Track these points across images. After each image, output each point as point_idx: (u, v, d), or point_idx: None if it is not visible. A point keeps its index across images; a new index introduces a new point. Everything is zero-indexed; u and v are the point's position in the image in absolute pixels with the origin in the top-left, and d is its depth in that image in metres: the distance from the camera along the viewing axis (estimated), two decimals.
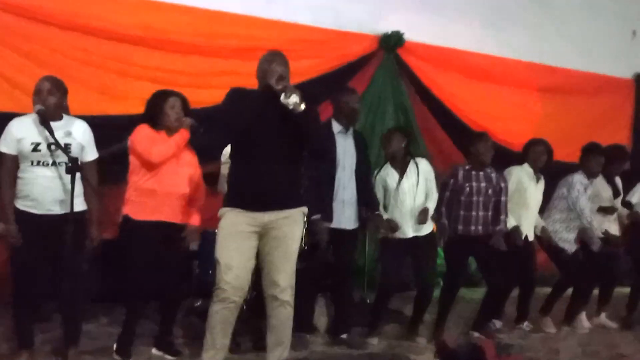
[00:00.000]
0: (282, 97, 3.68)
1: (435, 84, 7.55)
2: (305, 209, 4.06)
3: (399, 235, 5.26)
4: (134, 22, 6.19)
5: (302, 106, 3.69)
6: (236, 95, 3.95)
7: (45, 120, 3.99)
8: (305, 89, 3.90)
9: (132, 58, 6.19)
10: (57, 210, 4.05)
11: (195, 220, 4.68)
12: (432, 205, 5.31)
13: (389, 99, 7.37)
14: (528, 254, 5.79)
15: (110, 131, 5.17)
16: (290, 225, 3.92)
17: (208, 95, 6.48)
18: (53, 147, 4.01)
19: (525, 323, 5.92)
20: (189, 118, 4.59)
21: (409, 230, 5.28)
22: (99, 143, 4.68)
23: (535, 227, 5.90)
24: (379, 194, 5.35)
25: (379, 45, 7.34)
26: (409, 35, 7.39)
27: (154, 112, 4.58)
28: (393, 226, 5.20)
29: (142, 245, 4.40)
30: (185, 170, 4.57)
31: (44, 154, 4.04)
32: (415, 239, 5.29)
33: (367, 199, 5.22)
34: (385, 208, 5.33)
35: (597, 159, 5.98)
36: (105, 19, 6.04)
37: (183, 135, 4.53)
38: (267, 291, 3.90)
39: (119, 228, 4.59)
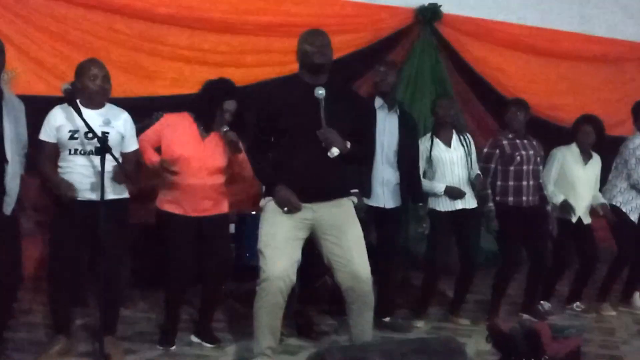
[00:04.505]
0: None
1: (475, 57, 7.33)
2: (354, 198, 3.95)
3: (447, 207, 5.05)
4: (163, 0, 6.05)
5: (345, 149, 3.64)
6: (271, 93, 3.86)
7: (72, 100, 3.88)
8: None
9: (162, 37, 6.07)
10: (94, 197, 3.94)
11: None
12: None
13: (427, 73, 7.17)
14: (586, 238, 5.55)
15: (140, 113, 5.03)
16: (346, 213, 3.79)
17: (241, 74, 6.34)
18: (90, 134, 3.90)
19: (577, 303, 5.68)
20: (231, 133, 4.27)
21: (457, 202, 5.07)
22: None
23: (598, 207, 5.62)
24: (421, 163, 5.10)
25: (416, 19, 7.15)
26: (447, 7, 7.18)
27: (206, 109, 4.34)
28: (458, 194, 5.03)
29: (172, 237, 4.29)
30: (213, 162, 4.34)
31: (82, 141, 3.95)
32: (463, 211, 5.08)
33: (412, 188, 4.97)
34: (425, 176, 5.10)
35: None
36: None
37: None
38: (346, 285, 3.70)
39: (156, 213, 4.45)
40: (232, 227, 5.87)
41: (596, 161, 5.69)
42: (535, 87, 7.55)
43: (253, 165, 3.93)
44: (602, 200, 5.66)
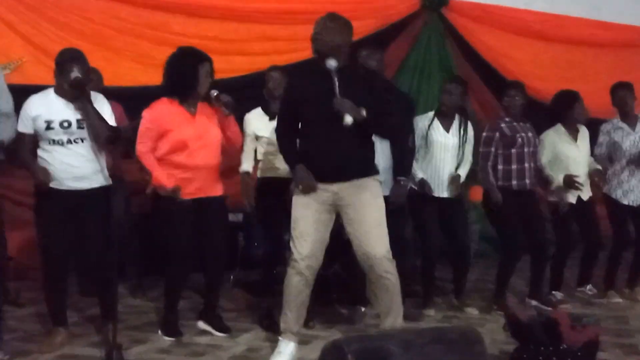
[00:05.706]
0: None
1: (482, 44, 7.26)
2: (379, 177, 3.92)
3: (433, 193, 4.99)
4: None
5: (360, 117, 3.63)
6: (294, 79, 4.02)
7: (83, 89, 3.81)
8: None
9: (167, 25, 6.06)
10: (78, 186, 3.93)
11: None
12: (464, 173, 5.09)
13: (434, 59, 7.17)
14: (588, 215, 5.44)
15: (145, 102, 4.98)
16: (366, 193, 3.78)
17: (247, 62, 6.32)
18: (66, 124, 3.87)
19: (588, 286, 5.61)
20: (224, 95, 4.19)
21: (444, 190, 5.02)
22: (133, 115, 4.50)
23: (593, 172, 5.47)
24: (417, 140, 5.01)
25: (423, 5, 7.08)
26: None
27: (184, 77, 4.15)
28: (427, 190, 4.95)
29: (170, 219, 4.20)
30: (212, 138, 4.28)
31: (57, 131, 3.89)
32: (444, 199, 5.03)
33: (401, 166, 4.72)
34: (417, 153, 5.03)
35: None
36: None
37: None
38: (364, 264, 3.79)
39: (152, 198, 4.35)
40: (240, 216, 5.87)
41: (583, 133, 5.52)
42: (543, 73, 7.48)
43: (281, 150, 3.98)
44: (597, 165, 5.51)
